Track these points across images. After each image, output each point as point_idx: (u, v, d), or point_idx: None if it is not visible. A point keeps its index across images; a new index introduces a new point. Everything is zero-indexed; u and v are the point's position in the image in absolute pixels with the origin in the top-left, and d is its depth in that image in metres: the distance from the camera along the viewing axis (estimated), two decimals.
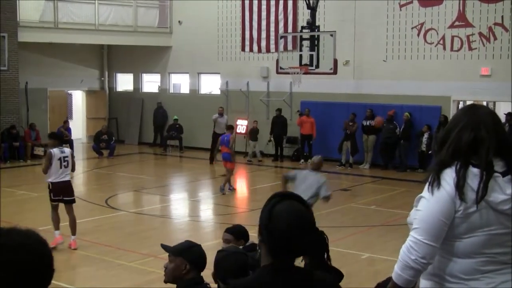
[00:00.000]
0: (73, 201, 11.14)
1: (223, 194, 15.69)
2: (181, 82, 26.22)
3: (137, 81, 26.85)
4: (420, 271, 2.96)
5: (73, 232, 11.03)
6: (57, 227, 10.99)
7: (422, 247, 2.92)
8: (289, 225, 2.39)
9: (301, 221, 2.43)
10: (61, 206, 11.08)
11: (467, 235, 2.92)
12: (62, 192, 10.92)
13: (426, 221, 2.93)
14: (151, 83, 26.79)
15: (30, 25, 21.72)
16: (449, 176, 2.92)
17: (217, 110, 21.17)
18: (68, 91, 26.73)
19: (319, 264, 5.40)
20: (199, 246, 4.19)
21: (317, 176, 10.04)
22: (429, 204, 2.94)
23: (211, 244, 9.75)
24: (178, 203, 15.99)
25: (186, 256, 4.06)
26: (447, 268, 2.99)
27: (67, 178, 10.94)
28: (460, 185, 2.87)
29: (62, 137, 11.56)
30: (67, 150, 11.15)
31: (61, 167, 10.77)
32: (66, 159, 10.83)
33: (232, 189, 16.38)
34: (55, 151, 10.76)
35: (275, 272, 2.42)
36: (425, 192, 2.99)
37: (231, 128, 16.93)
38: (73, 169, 11.20)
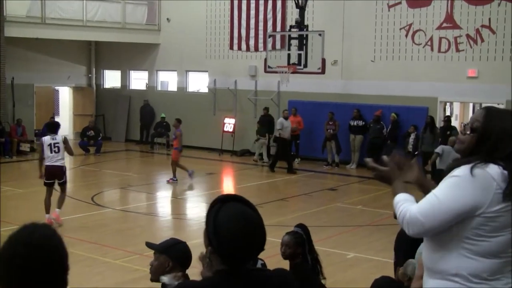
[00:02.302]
0: (65, 183, 12.22)
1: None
2: (169, 80, 26.16)
3: (124, 78, 26.75)
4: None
5: (59, 206, 12.07)
6: (47, 211, 11.94)
7: (420, 231, 2.96)
8: (236, 231, 2.34)
9: (247, 223, 2.37)
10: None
11: (495, 234, 2.91)
12: (54, 176, 11.98)
13: (437, 208, 2.91)
14: (138, 80, 26.71)
15: (17, 20, 21.57)
16: (495, 171, 2.90)
17: (282, 114, 19.94)
18: (55, 87, 26.57)
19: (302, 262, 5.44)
20: (183, 244, 4.18)
21: None
22: (462, 190, 2.90)
23: (197, 242, 9.71)
24: (164, 201, 15.95)
25: (170, 253, 4.06)
26: (471, 268, 2.95)
27: (58, 163, 11.92)
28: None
29: (54, 126, 12.44)
30: (58, 137, 11.98)
31: (51, 152, 11.77)
32: (56, 145, 11.82)
33: (175, 180, 16.91)
34: (46, 138, 11.89)
35: (229, 277, 2.37)
36: (463, 172, 2.93)
37: (180, 122, 17.51)
38: (70, 153, 12.40)
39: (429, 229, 2.94)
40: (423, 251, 3.23)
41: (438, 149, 14.01)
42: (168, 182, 17.08)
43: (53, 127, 12.34)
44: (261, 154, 21.40)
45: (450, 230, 2.95)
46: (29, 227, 2.10)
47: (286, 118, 19.55)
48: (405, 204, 3.02)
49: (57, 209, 12.15)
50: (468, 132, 3.12)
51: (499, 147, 2.97)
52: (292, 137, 20.73)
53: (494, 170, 2.90)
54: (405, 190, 3.14)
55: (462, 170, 2.94)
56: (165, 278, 4.02)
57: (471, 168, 2.90)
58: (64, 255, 2.09)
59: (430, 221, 2.92)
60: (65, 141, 12.06)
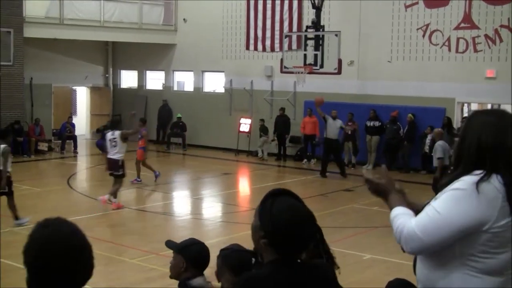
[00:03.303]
0: (121, 176, 13.57)
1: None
2: (185, 80, 26.23)
3: (141, 78, 26.87)
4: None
5: (111, 192, 13.44)
6: (114, 196, 13.50)
7: (419, 248, 2.76)
8: (292, 222, 2.47)
9: (301, 215, 2.52)
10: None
11: (500, 250, 2.72)
12: (112, 167, 13.57)
13: (449, 225, 2.68)
14: (155, 80, 26.80)
15: (36, 20, 21.76)
16: (498, 182, 2.70)
17: (331, 113, 18.63)
18: (73, 87, 26.77)
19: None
20: (200, 244, 4.16)
21: None
22: (466, 205, 2.68)
23: (214, 242, 9.75)
24: (181, 201, 15.99)
25: (184, 253, 4.06)
26: (474, 285, 2.76)
27: (115, 156, 13.44)
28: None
29: (115, 123, 14.73)
30: (116, 133, 13.52)
31: (111, 147, 13.44)
32: (114, 140, 13.41)
33: (140, 181, 16.81)
34: (108, 134, 13.77)
35: (284, 267, 2.48)
36: (467, 185, 2.70)
37: (144, 122, 17.63)
38: (133, 133, 14.16)
39: (429, 246, 2.73)
40: (418, 269, 2.99)
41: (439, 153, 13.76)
42: (132, 182, 16.49)
43: (115, 124, 14.37)
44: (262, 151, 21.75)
45: (452, 247, 2.74)
46: (50, 226, 2.12)
47: (334, 118, 18.58)
48: (402, 219, 2.81)
49: (108, 194, 13.40)
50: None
51: (476, 153, 2.78)
52: (307, 137, 20.73)
53: (497, 182, 2.69)
54: (401, 203, 2.94)
55: (465, 183, 2.71)
56: (197, 281, 4.02)
57: (477, 182, 2.68)
58: (88, 249, 2.15)
59: (429, 237, 2.70)
60: (121, 135, 13.47)
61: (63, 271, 2.04)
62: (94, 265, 2.14)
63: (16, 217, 11.65)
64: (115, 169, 13.57)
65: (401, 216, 2.85)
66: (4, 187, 11.38)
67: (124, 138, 13.54)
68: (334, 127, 18.45)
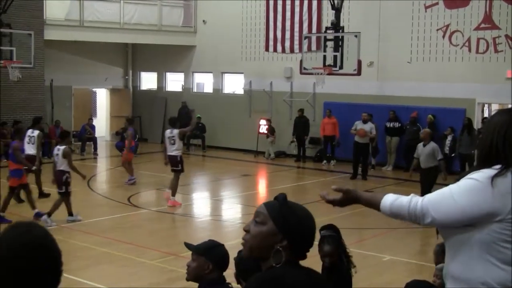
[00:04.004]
0: (179, 171, 14.27)
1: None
2: (204, 82, 26.30)
3: (161, 80, 26.99)
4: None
5: (170, 187, 14.28)
6: (173, 194, 14.25)
7: (431, 223, 2.85)
8: (312, 224, 2.56)
9: (310, 216, 2.59)
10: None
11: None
12: (171, 164, 14.33)
13: (461, 211, 2.77)
14: (174, 82, 26.91)
15: (56, 23, 21.96)
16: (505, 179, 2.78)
17: (362, 117, 18.43)
18: (93, 89, 26.96)
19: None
20: (222, 246, 4.17)
21: None
22: (479, 196, 2.75)
23: (233, 243, 9.75)
24: (200, 202, 16.03)
25: (209, 256, 4.05)
26: (498, 278, 2.79)
27: (173, 153, 14.26)
28: None
29: (174, 121, 14.93)
30: (175, 131, 14.25)
31: (169, 144, 14.27)
32: (173, 138, 14.22)
33: (133, 179, 16.92)
34: (166, 131, 14.60)
35: (297, 267, 2.51)
36: (483, 178, 2.78)
37: (132, 122, 17.91)
38: (189, 131, 15.54)
39: (439, 224, 2.88)
40: (446, 259, 3.05)
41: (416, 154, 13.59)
42: (126, 183, 16.63)
43: (173, 121, 14.79)
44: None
45: (472, 236, 2.81)
46: (20, 227, 2.07)
47: (365, 122, 18.33)
48: (408, 198, 2.93)
49: (168, 189, 14.34)
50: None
51: (495, 149, 2.86)
52: (327, 138, 20.68)
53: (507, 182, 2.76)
54: (381, 194, 3.04)
55: (482, 175, 2.79)
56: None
57: (493, 176, 2.76)
58: (59, 254, 2.08)
59: (441, 216, 2.82)
60: (180, 133, 14.22)
61: (31, 273, 2.00)
62: (62, 273, 2.09)
63: (70, 214, 12.54)
64: (175, 164, 14.36)
65: (402, 197, 2.98)
66: (61, 187, 12.28)
67: (182, 136, 14.48)
68: (362, 129, 18.34)
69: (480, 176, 2.80)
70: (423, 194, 12.15)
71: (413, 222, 2.93)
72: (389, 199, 2.99)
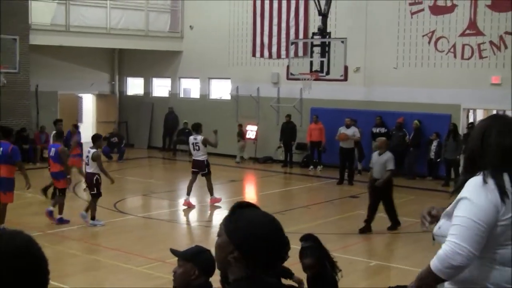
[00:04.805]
0: (207, 173, 14.97)
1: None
2: (191, 87, 26.28)
3: (147, 86, 26.94)
4: (461, 270, 2.91)
5: (210, 192, 15.15)
6: (188, 193, 14.91)
7: (466, 255, 2.84)
8: (268, 235, 2.32)
9: (271, 225, 2.36)
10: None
11: (511, 242, 2.89)
12: (196, 167, 15.07)
13: (472, 228, 2.84)
14: (161, 87, 26.87)
15: (42, 28, 21.83)
16: (492, 182, 2.89)
17: (345, 122, 18.53)
18: (79, 94, 26.84)
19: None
20: (208, 252, 4.16)
21: None
22: (475, 209, 2.86)
23: None
24: (187, 208, 15.98)
25: (196, 261, 4.04)
26: (490, 277, 2.92)
27: (200, 158, 14.97)
28: (505, 191, 2.87)
29: (197, 127, 15.44)
30: (199, 137, 14.95)
31: (193, 150, 15.09)
32: (197, 144, 14.93)
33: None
34: (190, 138, 15.40)
35: (252, 283, 2.33)
36: (470, 194, 2.90)
37: (77, 127, 17.51)
38: (214, 146, 15.56)
39: (476, 251, 2.87)
40: None
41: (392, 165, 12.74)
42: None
43: (196, 127, 15.34)
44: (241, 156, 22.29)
45: None
46: (4, 235, 2.04)
47: (348, 127, 18.35)
48: (436, 257, 2.94)
49: (211, 196, 15.23)
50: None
51: (484, 152, 2.98)
52: (313, 144, 20.71)
53: (491, 188, 2.90)
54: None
55: (470, 190, 2.91)
56: None
57: (481, 182, 2.89)
58: (45, 261, 2.05)
59: (476, 245, 2.85)
60: (203, 141, 14.89)
61: (17, 282, 1.96)
62: (49, 281, 2.06)
63: (93, 218, 12.77)
64: (202, 168, 14.98)
65: (433, 259, 2.96)
66: (93, 188, 12.65)
67: (204, 144, 14.99)
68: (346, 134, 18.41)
69: (467, 193, 2.91)
70: (371, 206, 11.87)
71: (462, 269, 2.91)
72: (435, 266, 2.94)
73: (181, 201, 16.56)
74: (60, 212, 12.83)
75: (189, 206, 14.89)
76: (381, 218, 13.90)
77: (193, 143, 15.08)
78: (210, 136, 15.56)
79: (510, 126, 3.02)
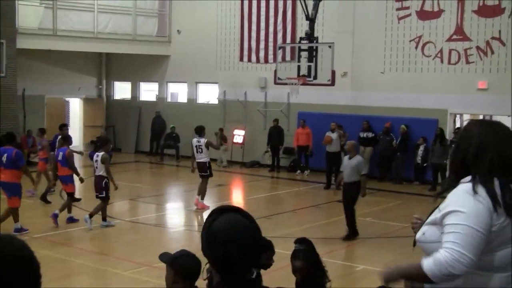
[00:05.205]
0: (207, 176, 15.16)
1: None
2: (179, 91, 26.25)
3: (135, 90, 26.88)
4: (457, 278, 2.87)
5: (198, 193, 15.17)
6: (202, 197, 15.19)
7: (467, 264, 2.79)
8: (226, 241, 2.30)
9: (239, 234, 2.32)
10: None
11: (500, 248, 2.88)
12: (200, 169, 15.19)
13: (473, 236, 2.80)
14: (149, 91, 26.82)
15: (29, 32, 21.73)
16: (483, 190, 2.88)
17: (330, 126, 19.00)
18: (66, 99, 26.72)
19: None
20: (189, 256, 4.13)
21: None
22: (472, 217, 2.82)
23: None
24: (174, 213, 15.96)
25: (173, 265, 4.02)
26: (477, 284, 2.91)
27: (202, 160, 15.15)
28: (497, 199, 2.86)
29: (200, 129, 15.43)
30: (202, 140, 15.13)
31: (196, 152, 15.16)
32: (200, 146, 15.09)
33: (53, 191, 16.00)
34: (193, 140, 15.32)
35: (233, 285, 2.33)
36: (460, 206, 2.87)
37: (43, 132, 17.55)
38: (216, 148, 16.26)
39: (476, 257, 2.83)
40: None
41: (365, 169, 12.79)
42: (27, 195, 15.70)
43: (199, 130, 15.38)
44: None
45: None
46: (2, 239, 2.04)
47: (333, 131, 18.80)
48: (427, 258, 2.88)
49: (197, 195, 15.13)
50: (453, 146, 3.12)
51: (480, 158, 2.94)
52: (301, 148, 20.74)
53: (483, 196, 2.89)
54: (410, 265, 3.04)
55: (460, 201, 2.88)
56: None
57: (470, 190, 2.87)
58: (38, 265, 2.05)
59: (476, 251, 2.81)
60: (207, 143, 15.09)
61: (13, 286, 1.96)
62: (41, 285, 2.06)
63: (104, 219, 13.07)
64: (203, 170, 15.20)
65: (423, 259, 2.90)
66: (101, 191, 12.86)
67: (207, 146, 15.17)
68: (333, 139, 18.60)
69: (461, 206, 2.86)
70: (345, 209, 11.94)
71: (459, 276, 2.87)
72: (431, 270, 2.86)
73: (168, 205, 16.55)
74: (69, 211, 13.36)
75: (203, 208, 15.07)
76: (370, 223, 13.95)
77: (196, 146, 15.25)
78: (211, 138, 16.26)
79: (510, 135, 3.01)
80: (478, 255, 2.81)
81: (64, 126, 16.63)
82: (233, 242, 2.30)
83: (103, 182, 12.87)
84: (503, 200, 2.86)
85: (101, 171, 12.92)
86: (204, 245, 2.35)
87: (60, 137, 14.92)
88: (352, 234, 12.37)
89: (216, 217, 2.37)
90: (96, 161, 12.97)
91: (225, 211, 2.40)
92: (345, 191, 12.43)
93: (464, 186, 2.91)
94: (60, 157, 13.53)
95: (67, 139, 14.12)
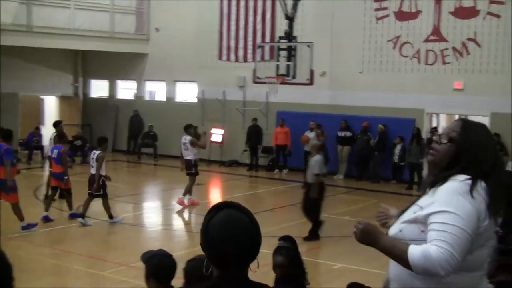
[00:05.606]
0: (193, 174, 15.35)
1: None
2: (157, 90, 26.12)
3: (112, 88, 26.68)
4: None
5: (184, 193, 15.24)
6: (184, 194, 15.28)
7: (454, 266, 2.75)
8: (225, 236, 2.34)
9: (237, 229, 2.36)
10: None
11: (478, 248, 2.89)
12: (186, 168, 15.39)
13: (463, 239, 2.77)
14: (126, 90, 26.62)
15: (2, 27, 21.34)
16: (481, 192, 2.90)
17: (309, 125, 19.60)
18: (41, 96, 26.40)
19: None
20: (162, 256, 4.08)
21: None
22: (461, 219, 2.79)
23: (183, 253, 9.68)
24: (152, 212, 15.87)
25: (147, 265, 4.01)
26: (453, 284, 2.89)
27: (188, 158, 15.32)
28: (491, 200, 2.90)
29: (187, 127, 15.63)
30: (187, 137, 15.29)
31: (184, 149, 15.35)
32: (185, 144, 15.28)
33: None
34: (182, 138, 15.46)
35: (219, 283, 2.38)
36: (452, 206, 2.83)
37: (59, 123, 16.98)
38: (202, 147, 16.00)
39: (460, 263, 2.80)
40: (392, 268, 3.07)
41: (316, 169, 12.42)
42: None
43: (187, 128, 15.55)
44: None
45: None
46: None
47: (312, 130, 19.34)
48: (415, 248, 2.80)
49: (182, 195, 15.13)
50: (444, 141, 3.05)
51: (481, 160, 2.96)
52: (279, 147, 20.77)
53: (480, 187, 2.91)
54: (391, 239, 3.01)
55: (449, 205, 2.84)
56: None
57: (470, 189, 2.88)
58: (11, 267, 2.01)
59: (463, 254, 2.79)
60: (191, 141, 15.19)
61: None
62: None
63: (110, 216, 13.22)
64: (189, 168, 15.30)
65: (411, 246, 2.83)
66: (99, 189, 12.98)
67: (192, 144, 15.30)
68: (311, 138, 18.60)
69: (456, 207, 2.84)
70: (302, 208, 11.79)
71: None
72: (417, 258, 2.79)
73: (146, 204, 16.46)
74: (70, 208, 13.45)
75: (193, 204, 15.39)
76: (348, 221, 14.00)
77: (183, 143, 15.47)
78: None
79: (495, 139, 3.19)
80: (464, 257, 2.79)
81: (59, 123, 16.44)
82: (230, 239, 2.34)
83: (100, 180, 12.96)
84: (490, 201, 2.89)
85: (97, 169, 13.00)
86: (203, 241, 2.39)
87: (55, 134, 14.84)
88: (315, 229, 12.19)
89: (215, 214, 2.42)
90: (92, 159, 13.03)
91: (224, 207, 2.44)
92: (306, 192, 12.49)
93: (455, 185, 2.89)
94: (54, 155, 13.40)
95: (63, 136, 14.05)
